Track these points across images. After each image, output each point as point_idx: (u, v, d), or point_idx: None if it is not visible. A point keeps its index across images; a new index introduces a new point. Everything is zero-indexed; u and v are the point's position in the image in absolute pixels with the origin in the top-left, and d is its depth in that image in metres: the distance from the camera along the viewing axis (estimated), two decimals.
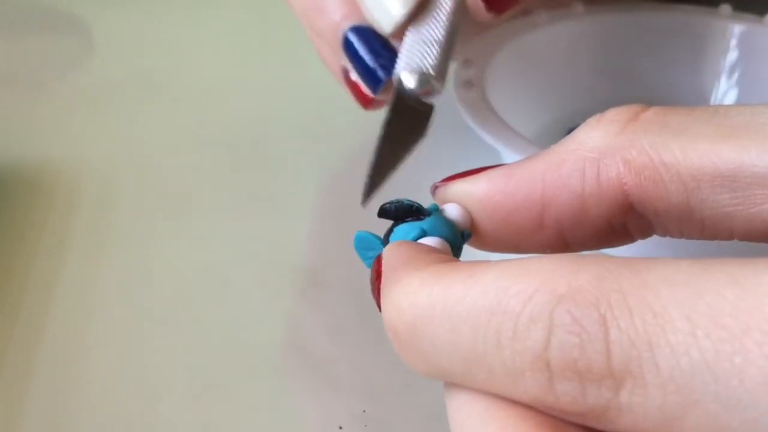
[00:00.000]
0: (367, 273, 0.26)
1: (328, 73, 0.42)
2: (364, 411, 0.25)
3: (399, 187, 0.32)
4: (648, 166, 0.18)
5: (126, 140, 0.38)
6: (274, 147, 0.38)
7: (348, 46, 0.30)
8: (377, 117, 0.34)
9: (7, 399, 0.25)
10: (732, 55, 0.35)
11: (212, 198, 0.34)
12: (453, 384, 0.16)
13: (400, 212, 0.20)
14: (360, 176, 0.36)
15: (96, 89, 0.42)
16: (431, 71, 0.27)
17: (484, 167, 0.20)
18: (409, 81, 0.27)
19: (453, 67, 0.33)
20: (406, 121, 0.26)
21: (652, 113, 0.18)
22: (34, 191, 0.34)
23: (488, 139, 0.28)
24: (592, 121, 0.19)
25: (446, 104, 0.33)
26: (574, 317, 0.14)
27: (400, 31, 0.29)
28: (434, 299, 0.16)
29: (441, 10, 0.28)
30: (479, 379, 0.16)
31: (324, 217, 0.34)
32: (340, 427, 0.24)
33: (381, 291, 0.17)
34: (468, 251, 0.20)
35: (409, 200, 0.20)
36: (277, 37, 0.48)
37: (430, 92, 0.27)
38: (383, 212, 0.20)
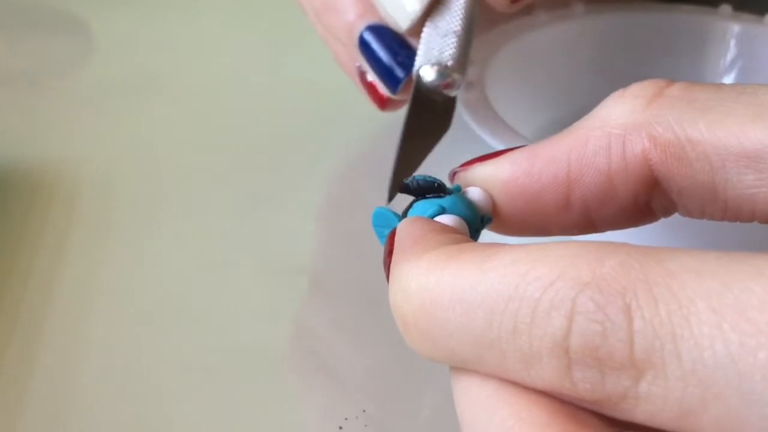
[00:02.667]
0: (369, 272, 0.26)
1: (330, 73, 0.42)
2: (364, 411, 0.25)
3: None
4: (674, 143, 0.18)
5: (126, 140, 0.38)
6: (274, 147, 0.38)
7: (364, 45, 0.29)
8: (379, 116, 0.34)
9: (7, 399, 0.25)
10: (732, 55, 0.35)
11: (212, 198, 0.34)
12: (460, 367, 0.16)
13: (422, 188, 0.19)
14: (362, 175, 0.36)
15: (96, 89, 0.42)
16: (451, 63, 0.26)
17: (505, 150, 0.19)
18: (429, 75, 0.26)
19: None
20: (428, 116, 0.26)
21: (677, 88, 0.18)
22: (34, 191, 0.34)
23: (488, 139, 0.28)
24: (615, 97, 0.19)
25: None
26: (598, 305, 0.14)
27: (417, 27, 0.28)
28: (445, 282, 0.15)
29: (457, 2, 0.28)
30: (490, 364, 0.15)
31: (325, 218, 0.34)
32: (340, 428, 0.24)
33: (390, 270, 0.17)
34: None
35: (431, 176, 0.19)
36: (277, 37, 0.48)
37: (451, 85, 0.26)
38: (404, 188, 0.20)
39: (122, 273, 0.30)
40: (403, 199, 0.20)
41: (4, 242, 0.31)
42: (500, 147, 0.28)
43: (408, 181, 0.19)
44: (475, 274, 0.15)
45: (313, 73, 0.43)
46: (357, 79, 0.31)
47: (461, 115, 0.30)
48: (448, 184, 0.20)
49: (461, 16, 0.27)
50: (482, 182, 0.19)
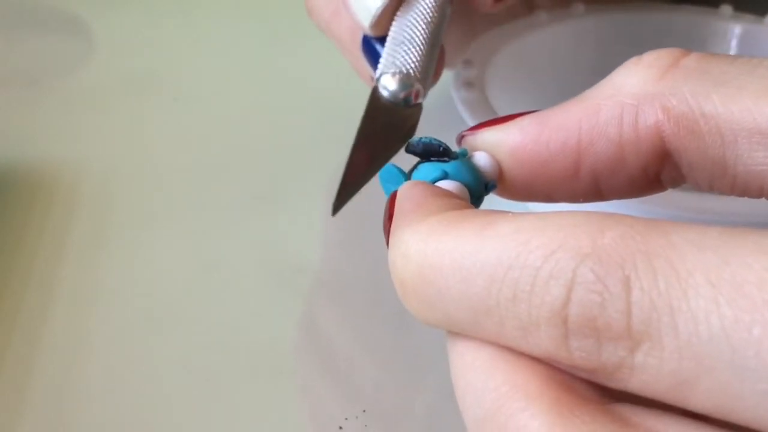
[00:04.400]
0: (371, 272, 0.27)
1: (330, 72, 0.42)
2: (364, 411, 0.25)
3: None
4: (687, 116, 0.17)
5: (126, 140, 0.38)
6: (274, 146, 0.38)
7: (367, 48, 0.29)
8: None
9: (7, 399, 0.25)
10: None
11: (212, 198, 0.34)
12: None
13: (427, 151, 0.19)
14: None
15: (96, 89, 0.42)
16: (414, 72, 0.26)
17: (513, 114, 0.19)
18: (391, 84, 0.25)
19: (453, 68, 0.33)
20: (386, 126, 0.25)
21: (693, 60, 0.18)
22: (34, 191, 0.34)
23: None
24: (629, 65, 0.18)
25: (446, 104, 0.33)
26: (598, 276, 0.14)
27: (382, 24, 0.28)
28: (444, 248, 0.15)
29: (424, 4, 0.27)
30: (488, 330, 0.15)
31: (324, 217, 0.34)
32: (340, 428, 0.24)
33: (390, 234, 0.17)
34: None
35: (437, 140, 0.19)
36: (277, 37, 0.48)
37: (414, 95, 0.25)
38: (410, 148, 0.20)
39: (122, 273, 0.30)
40: (410, 159, 0.20)
41: (4, 242, 0.31)
42: None
43: (413, 142, 0.19)
44: (475, 241, 0.15)
45: (313, 72, 0.43)
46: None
47: (461, 115, 0.30)
48: (455, 148, 0.20)
49: (427, 20, 0.27)
50: (489, 147, 0.19)
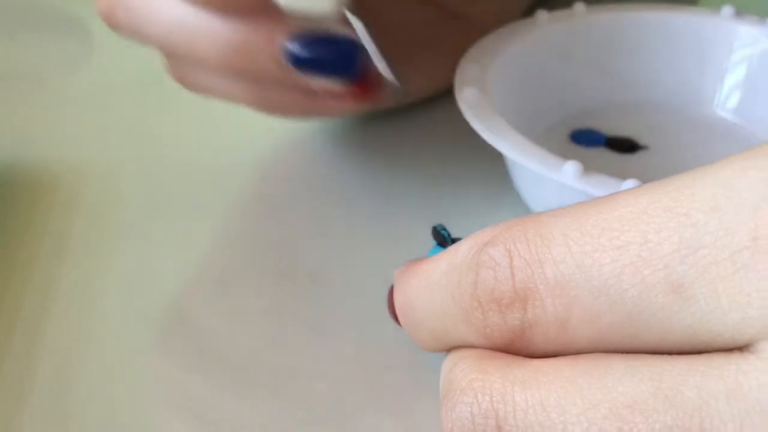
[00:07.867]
0: (360, 273, 0.27)
1: None
2: (352, 410, 0.25)
3: (406, 187, 0.32)
4: None
5: (126, 140, 0.38)
6: (275, 146, 0.38)
7: (299, 57, 0.26)
8: (376, 118, 0.34)
9: (7, 399, 0.25)
10: (735, 56, 0.35)
11: (213, 198, 0.34)
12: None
13: (437, 238, 0.25)
14: (355, 176, 0.36)
15: (97, 89, 0.42)
16: None
17: None
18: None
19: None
20: None
21: None
22: (34, 191, 0.34)
23: (491, 140, 0.28)
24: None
25: (447, 104, 0.33)
26: (490, 255, 0.17)
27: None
28: (413, 287, 0.20)
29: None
30: (455, 335, 0.19)
31: (323, 216, 0.34)
32: (325, 427, 0.24)
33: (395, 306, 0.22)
34: None
35: (445, 231, 0.25)
36: None
37: None
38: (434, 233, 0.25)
39: (123, 273, 0.30)
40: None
41: (4, 242, 0.31)
42: (501, 147, 0.28)
43: (436, 229, 0.25)
44: (433, 264, 0.20)
45: None
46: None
47: (463, 115, 0.30)
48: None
49: None
50: None
